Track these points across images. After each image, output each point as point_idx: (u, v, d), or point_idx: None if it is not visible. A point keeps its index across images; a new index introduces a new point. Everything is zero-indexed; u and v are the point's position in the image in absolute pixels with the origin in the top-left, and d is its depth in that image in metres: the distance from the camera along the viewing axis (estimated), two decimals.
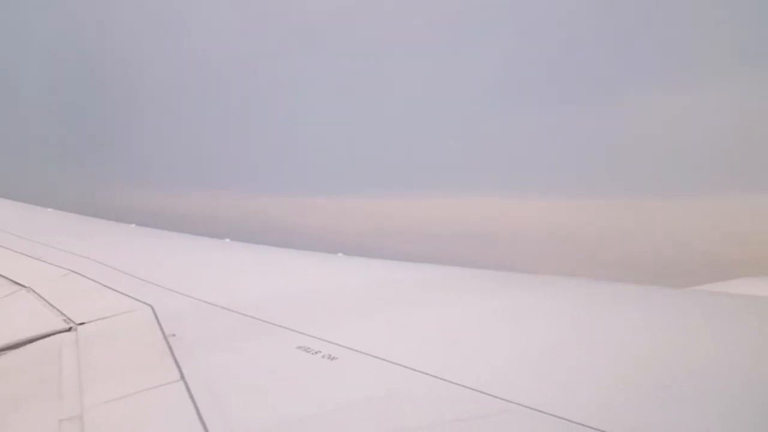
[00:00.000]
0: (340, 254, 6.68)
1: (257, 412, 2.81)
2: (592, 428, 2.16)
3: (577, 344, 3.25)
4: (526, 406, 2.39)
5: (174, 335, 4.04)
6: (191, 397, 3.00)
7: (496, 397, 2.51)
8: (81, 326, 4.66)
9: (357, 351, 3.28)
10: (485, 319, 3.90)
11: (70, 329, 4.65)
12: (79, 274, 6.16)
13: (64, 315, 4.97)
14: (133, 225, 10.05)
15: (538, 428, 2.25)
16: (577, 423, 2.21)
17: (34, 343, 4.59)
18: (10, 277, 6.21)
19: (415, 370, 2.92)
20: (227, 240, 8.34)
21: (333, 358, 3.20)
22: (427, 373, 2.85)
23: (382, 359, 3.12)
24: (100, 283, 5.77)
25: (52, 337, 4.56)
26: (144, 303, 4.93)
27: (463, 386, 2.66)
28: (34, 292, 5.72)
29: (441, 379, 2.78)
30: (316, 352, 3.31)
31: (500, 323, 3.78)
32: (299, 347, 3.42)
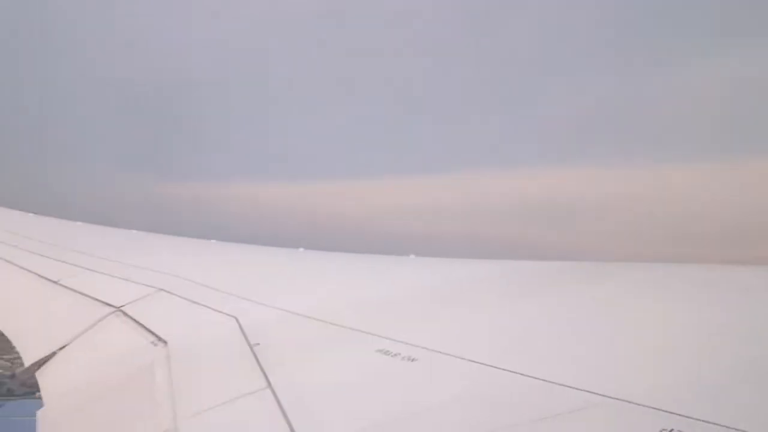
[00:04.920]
0: (412, 255, 6.68)
1: (343, 417, 2.85)
2: (684, 416, 2.05)
3: (660, 331, 3.11)
4: (615, 398, 2.30)
5: (258, 344, 4.15)
6: (278, 403, 3.08)
7: (584, 390, 2.43)
8: (171, 341, 4.86)
9: (435, 351, 3.26)
10: (563, 312, 3.79)
11: (161, 345, 4.85)
12: (166, 291, 6.42)
13: (155, 332, 5.20)
14: (213, 240, 10.39)
15: (629, 421, 2.17)
16: (668, 412, 2.10)
17: (128, 362, 4.82)
18: (101, 299, 6.54)
19: (496, 367, 2.87)
20: (301, 249, 8.50)
21: (413, 360, 3.19)
22: (509, 370, 2.80)
23: (462, 358, 3.08)
24: (186, 299, 5.99)
25: (144, 354, 4.78)
26: (229, 315, 5.09)
27: (548, 381, 2.59)
28: (124, 312, 6.00)
29: (524, 375, 2.72)
30: (395, 355, 3.31)
31: (580, 316, 3.67)
32: (379, 350, 3.43)
